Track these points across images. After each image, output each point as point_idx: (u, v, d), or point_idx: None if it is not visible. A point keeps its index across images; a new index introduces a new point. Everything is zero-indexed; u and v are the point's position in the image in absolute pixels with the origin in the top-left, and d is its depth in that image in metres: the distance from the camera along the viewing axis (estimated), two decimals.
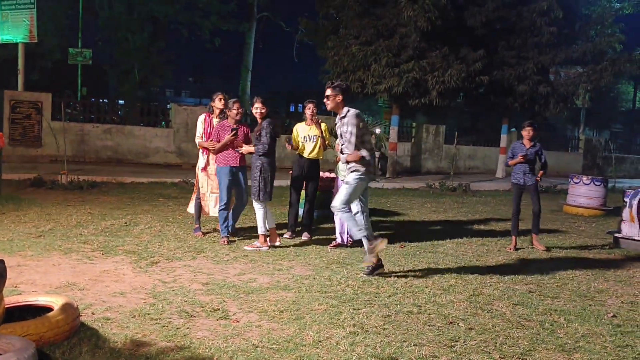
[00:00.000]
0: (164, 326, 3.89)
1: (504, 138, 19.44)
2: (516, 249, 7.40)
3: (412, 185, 14.91)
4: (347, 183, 5.49)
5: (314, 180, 7.32)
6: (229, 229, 6.77)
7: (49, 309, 3.61)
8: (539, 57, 17.02)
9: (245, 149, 6.56)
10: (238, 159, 6.66)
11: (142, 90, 24.37)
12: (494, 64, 16.61)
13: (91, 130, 15.39)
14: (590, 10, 19.33)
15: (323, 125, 7.27)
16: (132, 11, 21.54)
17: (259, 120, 6.49)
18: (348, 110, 5.52)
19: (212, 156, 6.85)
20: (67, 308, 3.60)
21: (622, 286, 5.74)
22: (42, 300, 3.77)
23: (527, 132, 7.52)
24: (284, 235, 7.18)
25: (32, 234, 6.51)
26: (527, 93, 17.04)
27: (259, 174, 6.41)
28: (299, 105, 58.74)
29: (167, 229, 7.25)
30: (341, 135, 5.58)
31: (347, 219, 5.50)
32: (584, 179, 11.62)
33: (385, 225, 8.62)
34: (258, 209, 6.46)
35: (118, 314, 4.08)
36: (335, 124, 5.71)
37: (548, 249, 7.48)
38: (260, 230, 6.47)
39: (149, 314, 4.09)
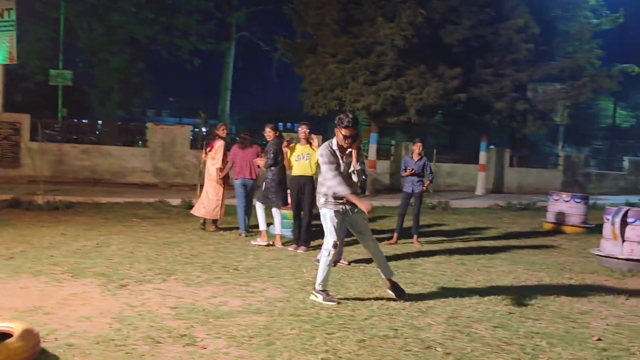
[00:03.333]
0: (128, 353, 3.72)
1: (482, 155, 19.51)
2: (393, 244, 8.52)
3: (391, 203, 14.80)
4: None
5: (307, 197, 7.55)
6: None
7: (9, 335, 3.47)
8: (516, 74, 17.20)
9: (259, 163, 8.31)
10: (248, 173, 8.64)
11: (122, 110, 24.31)
12: (471, 81, 16.73)
13: (69, 151, 15.20)
14: (568, 27, 19.59)
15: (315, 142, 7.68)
16: (112, 33, 21.49)
17: (269, 141, 8.14)
18: None
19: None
20: (27, 334, 3.47)
21: (607, 307, 5.56)
22: (1, 326, 3.63)
23: (417, 147, 8.70)
24: (289, 248, 7.81)
25: (3, 256, 6.37)
26: (505, 110, 17.16)
27: (269, 183, 7.95)
28: (279, 123, 58.75)
29: (139, 250, 7.07)
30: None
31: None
32: (564, 195, 11.59)
33: (360, 244, 8.47)
34: (258, 208, 8.00)
35: (82, 339, 3.91)
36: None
37: (422, 246, 8.52)
38: (261, 227, 8.01)
39: (113, 340, 3.92)
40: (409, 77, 15.25)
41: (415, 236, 8.78)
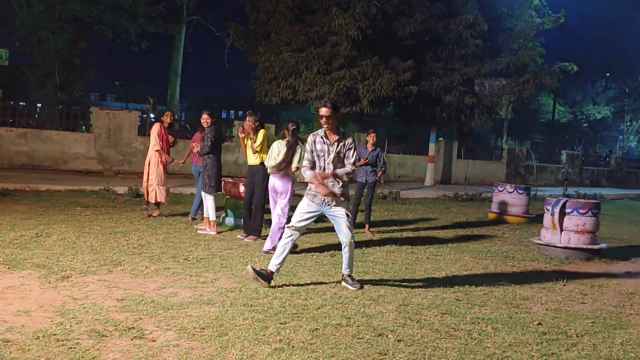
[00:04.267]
0: (70, 348, 3.54)
1: (432, 147, 19.88)
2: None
3: None
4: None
5: (258, 186, 7.56)
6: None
7: None
8: (464, 68, 17.56)
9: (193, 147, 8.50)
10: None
11: (63, 93, 23.24)
12: (422, 74, 16.96)
13: (4, 135, 14.42)
14: (514, 24, 20.14)
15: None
16: (53, 10, 20.46)
17: (206, 128, 8.03)
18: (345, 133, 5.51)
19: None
20: None
21: (546, 293, 5.84)
22: None
23: (370, 138, 8.78)
24: (238, 236, 7.74)
25: None
26: (453, 103, 17.52)
27: (204, 170, 7.93)
28: (231, 111, 58.07)
29: (83, 240, 6.78)
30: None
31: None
32: (508, 187, 11.96)
33: (314, 234, 8.48)
34: (207, 199, 7.84)
35: (20, 335, 3.69)
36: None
37: (373, 235, 8.68)
38: (210, 217, 7.85)
39: (54, 335, 3.72)
40: (362, 68, 15.31)
41: (367, 226, 8.87)
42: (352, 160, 5.39)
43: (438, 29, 17.14)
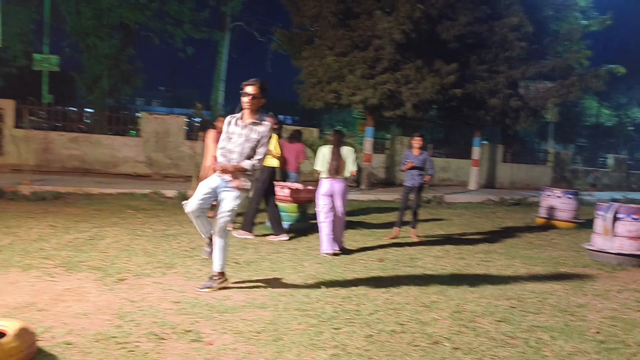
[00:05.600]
0: (130, 351, 3.60)
1: (476, 150, 19.56)
2: (394, 238, 8.53)
3: (387, 197, 14.80)
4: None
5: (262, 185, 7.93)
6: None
7: (2, 334, 3.28)
8: (509, 71, 17.24)
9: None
10: None
11: (111, 98, 23.87)
12: (466, 77, 16.73)
13: (56, 139, 14.87)
14: (559, 26, 19.68)
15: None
16: (101, 17, 21.07)
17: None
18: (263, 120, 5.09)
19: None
20: (23, 333, 3.28)
21: (601, 300, 5.66)
22: None
23: (416, 142, 8.68)
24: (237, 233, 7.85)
25: None
26: (498, 106, 17.23)
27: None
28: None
29: (136, 243, 6.91)
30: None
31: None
32: (557, 191, 11.67)
33: (362, 239, 8.44)
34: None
35: (80, 337, 3.76)
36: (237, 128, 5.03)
37: (420, 240, 8.57)
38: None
39: (114, 337, 3.78)
40: (405, 72, 15.19)
41: (413, 230, 8.77)
42: (259, 157, 4.96)
43: (482, 32, 16.88)
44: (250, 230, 7.88)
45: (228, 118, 5.07)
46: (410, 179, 8.71)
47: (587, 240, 8.46)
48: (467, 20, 16.09)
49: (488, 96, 17.01)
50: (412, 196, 8.76)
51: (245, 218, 7.93)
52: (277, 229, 7.88)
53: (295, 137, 10.23)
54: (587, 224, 10.90)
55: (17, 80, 23.29)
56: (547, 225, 11.39)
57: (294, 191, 8.43)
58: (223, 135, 5.01)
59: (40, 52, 19.93)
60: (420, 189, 8.74)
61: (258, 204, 7.96)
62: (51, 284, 4.97)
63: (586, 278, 6.70)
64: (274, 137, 7.73)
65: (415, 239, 8.59)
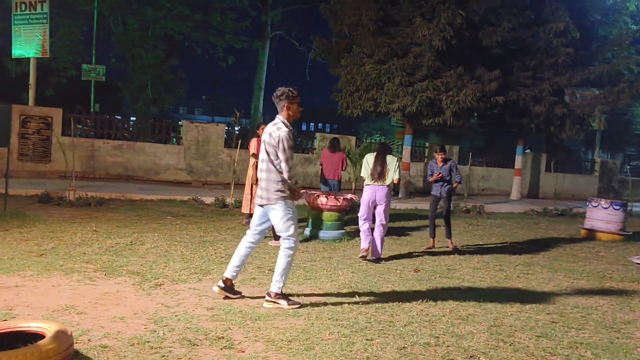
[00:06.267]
0: (163, 356, 3.64)
1: (518, 159, 19.12)
2: (430, 249, 8.41)
3: (425, 206, 14.58)
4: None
5: None
6: None
7: (41, 336, 3.36)
8: (554, 78, 16.81)
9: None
10: None
11: (155, 107, 24.46)
12: (509, 84, 16.39)
13: (101, 147, 15.29)
14: (607, 32, 19.11)
15: None
16: (146, 28, 21.66)
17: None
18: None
19: None
20: (60, 336, 3.34)
21: None
22: (34, 326, 3.49)
23: (439, 156, 8.58)
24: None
25: (34, 253, 6.29)
26: (542, 114, 16.80)
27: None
28: (311, 124, 58.86)
29: (174, 249, 7.03)
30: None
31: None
32: (603, 202, 11.26)
33: (398, 248, 8.34)
34: None
35: (116, 341, 3.83)
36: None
37: (459, 251, 8.45)
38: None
39: (148, 342, 3.84)
40: (445, 79, 14.99)
41: (449, 240, 8.63)
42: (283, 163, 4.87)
43: (526, 38, 16.53)
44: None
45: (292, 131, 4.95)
46: (437, 188, 8.62)
47: (636, 254, 8.17)
48: (510, 26, 15.78)
49: (532, 103, 16.62)
50: (441, 204, 8.67)
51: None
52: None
53: (336, 146, 10.65)
54: (635, 237, 10.51)
55: (66, 90, 24.17)
56: (593, 237, 10.99)
57: (330, 199, 8.41)
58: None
59: (89, 63, 20.61)
60: (448, 197, 8.60)
61: None
62: (91, 287, 5.10)
63: (634, 294, 6.43)
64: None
65: (451, 248, 8.47)
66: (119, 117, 20.75)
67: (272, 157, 4.85)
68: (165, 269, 5.97)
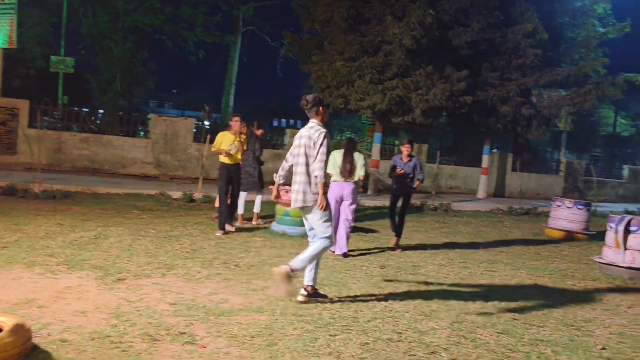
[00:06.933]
0: (124, 350, 3.60)
1: (485, 158, 19.41)
2: (396, 248, 8.14)
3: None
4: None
5: (237, 182, 8.57)
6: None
7: None
8: (522, 78, 17.09)
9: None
10: None
11: (124, 100, 24.11)
12: (477, 84, 16.62)
13: (68, 139, 15.02)
14: (575, 34, 19.49)
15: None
16: (116, 21, 21.33)
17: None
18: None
19: None
20: (18, 329, 3.31)
21: (610, 315, 5.55)
22: None
23: (405, 149, 8.33)
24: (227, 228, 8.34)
25: None
26: (509, 114, 17.08)
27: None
28: (282, 120, 58.71)
29: (138, 243, 6.94)
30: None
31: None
32: (567, 202, 11.49)
33: (365, 244, 8.39)
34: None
35: (76, 335, 3.78)
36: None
37: (400, 247, 8.20)
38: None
39: (109, 337, 3.80)
40: (415, 78, 15.12)
41: (396, 239, 8.31)
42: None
43: (495, 38, 16.77)
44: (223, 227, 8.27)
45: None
46: (399, 186, 8.37)
47: (598, 253, 8.32)
48: (479, 27, 15.98)
49: (499, 104, 16.88)
50: (400, 203, 8.42)
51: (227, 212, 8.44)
52: (221, 224, 8.26)
53: None
54: (598, 236, 10.76)
55: (34, 81, 23.67)
56: (556, 236, 11.19)
57: None
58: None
59: (58, 55, 20.18)
60: (409, 195, 8.40)
61: (222, 202, 8.41)
62: (53, 281, 5.03)
63: (595, 292, 6.57)
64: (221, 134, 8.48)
65: (393, 245, 8.21)
66: (86, 110, 20.33)
67: (311, 160, 5.02)
68: (128, 263, 5.90)
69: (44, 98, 16.52)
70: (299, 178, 5.05)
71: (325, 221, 5.02)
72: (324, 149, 4.95)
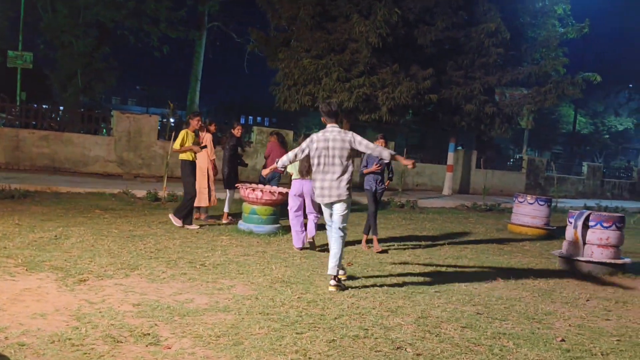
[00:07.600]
0: (85, 353, 3.52)
1: (450, 156, 19.69)
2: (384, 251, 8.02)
3: (360, 200, 14.78)
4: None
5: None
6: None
7: None
8: (485, 77, 17.39)
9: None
10: None
11: (85, 96, 23.58)
12: (442, 82, 16.84)
13: (27, 137, 14.57)
14: (536, 34, 19.89)
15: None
16: (77, 15, 20.82)
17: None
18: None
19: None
20: None
21: (569, 308, 5.70)
22: None
23: (380, 143, 8.07)
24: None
25: None
26: (473, 112, 17.34)
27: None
28: (249, 117, 58.35)
29: (101, 244, 6.78)
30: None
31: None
32: (529, 198, 11.75)
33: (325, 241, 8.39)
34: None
35: (35, 338, 3.67)
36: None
37: (385, 251, 8.00)
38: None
39: (70, 339, 3.70)
40: (382, 76, 15.22)
41: (366, 236, 8.26)
42: None
43: (459, 37, 17.01)
44: (180, 218, 8.50)
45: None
46: (372, 183, 8.26)
47: (558, 248, 8.52)
48: (444, 26, 16.18)
49: (463, 102, 17.13)
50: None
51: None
52: (178, 214, 8.51)
53: (284, 140, 10.98)
54: (559, 231, 11.02)
55: None
56: (519, 232, 11.44)
57: (265, 193, 8.36)
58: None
59: (15, 49, 19.57)
60: (382, 193, 8.40)
61: (192, 198, 8.63)
62: (11, 283, 4.87)
63: (555, 286, 6.73)
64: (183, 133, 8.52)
65: (365, 247, 8.10)
66: (46, 107, 19.81)
67: (344, 160, 5.63)
68: (90, 264, 5.76)
69: (0, 94, 16.01)
70: (330, 176, 5.64)
71: (347, 214, 5.77)
72: (367, 141, 5.71)
